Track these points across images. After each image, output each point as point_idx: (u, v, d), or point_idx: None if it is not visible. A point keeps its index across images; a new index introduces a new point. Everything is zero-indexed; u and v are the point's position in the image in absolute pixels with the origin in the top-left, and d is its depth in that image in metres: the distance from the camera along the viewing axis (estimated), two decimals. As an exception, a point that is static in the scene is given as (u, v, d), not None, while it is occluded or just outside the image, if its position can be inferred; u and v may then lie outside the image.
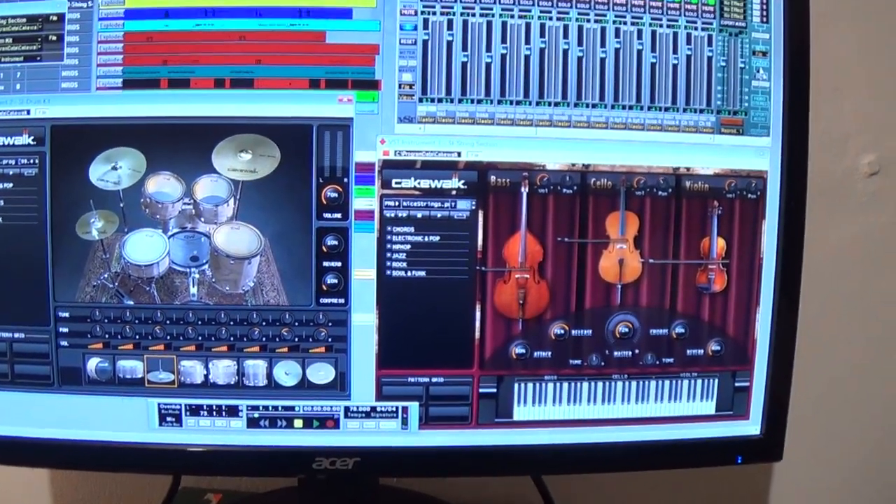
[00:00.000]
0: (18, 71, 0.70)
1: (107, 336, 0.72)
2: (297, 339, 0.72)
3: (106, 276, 0.71)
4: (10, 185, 0.71)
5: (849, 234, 0.96)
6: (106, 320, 0.72)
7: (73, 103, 0.70)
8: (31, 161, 0.70)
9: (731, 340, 0.75)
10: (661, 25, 0.72)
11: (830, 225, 0.93)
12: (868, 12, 0.93)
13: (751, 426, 0.76)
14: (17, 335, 0.72)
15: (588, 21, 0.71)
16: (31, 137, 0.70)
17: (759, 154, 0.73)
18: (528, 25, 0.70)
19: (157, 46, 0.70)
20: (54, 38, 0.70)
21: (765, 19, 0.73)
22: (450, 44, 0.70)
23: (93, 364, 0.72)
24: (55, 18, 0.70)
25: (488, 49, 0.70)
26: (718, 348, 0.75)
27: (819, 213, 0.81)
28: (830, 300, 0.92)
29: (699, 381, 0.75)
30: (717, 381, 0.75)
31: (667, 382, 0.75)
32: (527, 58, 0.71)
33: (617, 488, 0.94)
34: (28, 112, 0.70)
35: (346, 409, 0.73)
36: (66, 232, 0.70)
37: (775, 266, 0.74)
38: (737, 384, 0.76)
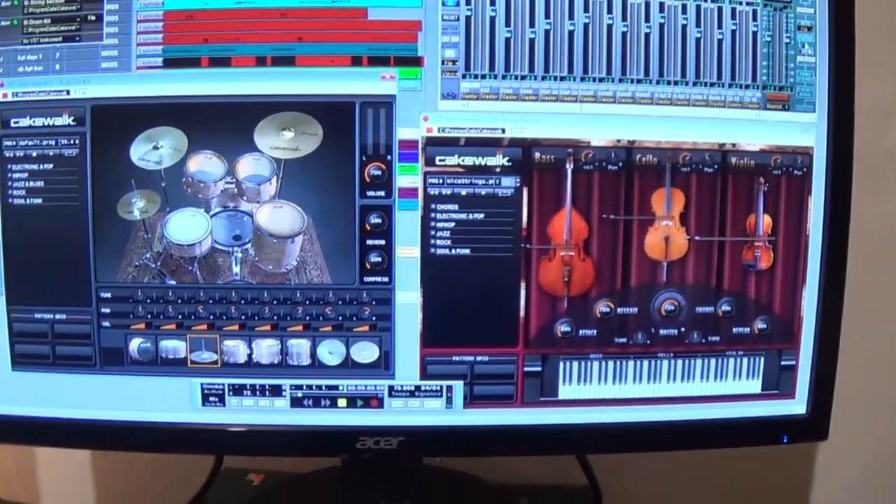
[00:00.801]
0: (58, 51, 0.70)
1: (149, 316, 0.72)
2: (340, 318, 0.71)
3: (148, 255, 0.71)
4: (51, 165, 0.71)
5: (892, 212, 0.94)
6: (148, 300, 0.72)
7: (113, 83, 0.70)
8: (72, 141, 0.70)
9: (777, 318, 0.74)
10: (705, 0, 0.71)
11: (873, 203, 0.92)
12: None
13: (797, 405, 0.76)
14: (58, 316, 0.72)
15: (632, -5, 0.70)
16: (72, 118, 0.70)
17: (805, 130, 0.72)
18: (571, 0, 0.69)
19: (198, 25, 0.69)
20: (93, 17, 0.70)
21: (810, -7, 0.72)
22: (493, 19, 0.69)
23: (135, 344, 0.72)
24: (94, -2, 0.70)
25: (532, 24, 0.69)
26: (764, 326, 0.74)
27: (861, 191, 0.80)
28: (873, 277, 0.91)
29: (745, 360, 0.74)
30: (762, 359, 0.75)
31: (713, 361, 0.74)
32: (571, 33, 0.70)
33: (662, 467, 0.94)
34: (68, 92, 0.70)
35: (391, 388, 0.73)
36: (107, 212, 0.70)
37: (821, 243, 0.73)
38: (783, 363, 0.75)
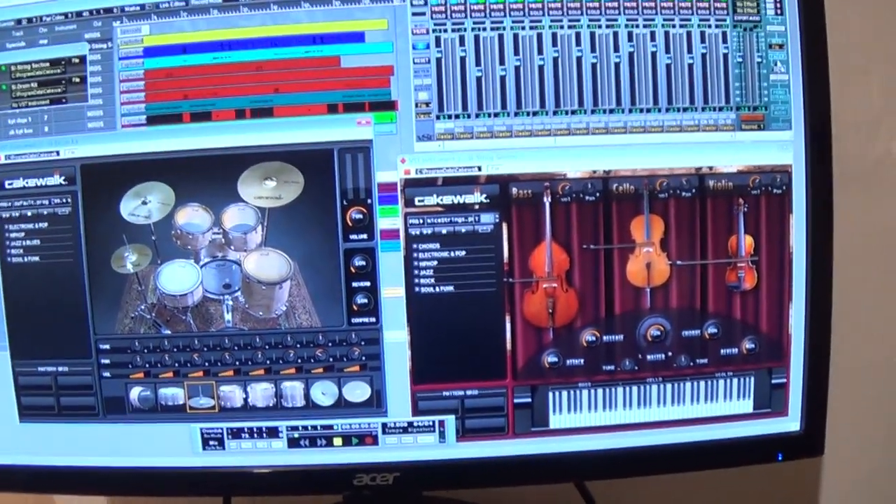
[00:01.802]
0: (46, 114, 0.72)
1: (147, 365, 0.74)
2: (331, 360, 0.73)
3: (143, 307, 0.73)
4: (46, 224, 0.73)
5: (884, 221, 0.94)
6: (145, 350, 0.74)
7: (100, 142, 0.72)
8: (64, 200, 0.73)
9: (765, 337, 0.74)
10: (673, 25, 0.71)
11: (864, 211, 0.92)
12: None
13: (790, 422, 0.76)
14: (61, 368, 0.74)
15: (599, 27, 0.71)
16: (63, 177, 0.72)
17: (783, 148, 0.73)
18: (539, 36, 0.70)
19: (178, 82, 0.71)
20: (77, 79, 0.72)
21: (779, 11, 0.72)
22: (463, 59, 0.71)
23: (135, 393, 0.74)
24: (77, 61, 0.72)
25: (502, 62, 0.71)
26: (753, 346, 0.74)
27: (853, 200, 0.79)
28: (865, 287, 0.91)
29: (735, 380, 0.75)
30: (752, 379, 0.75)
31: (702, 383, 0.75)
32: (541, 68, 0.71)
33: (662, 489, 0.94)
34: (58, 153, 0.72)
35: (384, 425, 0.74)
36: (101, 267, 0.72)
37: (806, 260, 0.73)
38: (773, 381, 0.75)
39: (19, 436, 0.75)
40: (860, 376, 0.93)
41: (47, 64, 0.72)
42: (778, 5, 0.72)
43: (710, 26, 0.71)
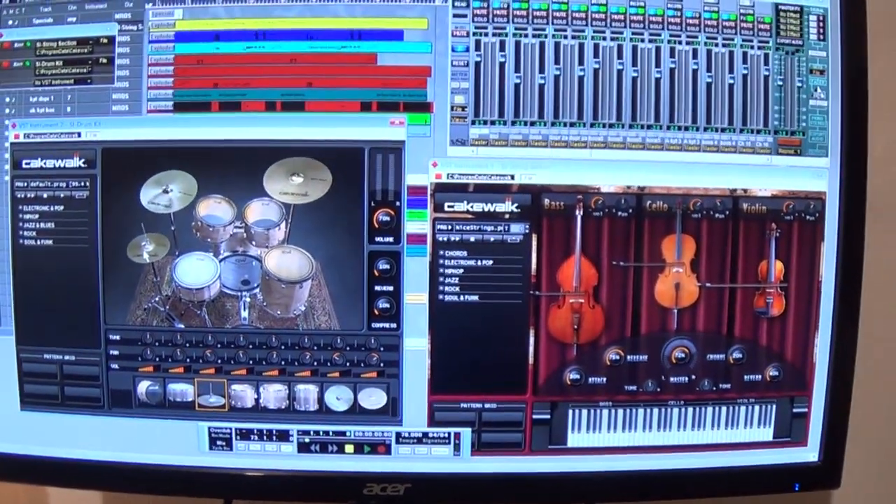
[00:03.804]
0: (69, 93, 0.71)
1: (157, 359, 0.72)
2: (348, 364, 0.71)
3: (157, 299, 0.71)
4: (62, 207, 0.71)
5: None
6: (157, 343, 0.72)
7: (123, 126, 0.70)
8: (82, 184, 0.71)
9: (789, 366, 0.73)
10: (716, 44, 0.70)
11: (891, 244, 0.91)
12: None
13: (809, 453, 0.75)
14: (67, 357, 0.72)
15: (642, 41, 0.70)
16: (82, 160, 0.70)
17: (818, 175, 0.72)
18: (581, 46, 0.69)
19: (208, 69, 0.70)
20: (105, 60, 0.70)
21: (822, 37, 0.71)
22: (502, 65, 0.69)
23: (143, 387, 0.72)
24: (105, 41, 0.70)
25: (541, 70, 0.69)
26: (776, 374, 0.73)
27: (883, 232, 0.78)
28: (890, 320, 0.90)
29: (756, 408, 0.74)
30: (774, 407, 0.74)
31: (724, 409, 0.73)
32: (580, 79, 0.69)
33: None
34: (79, 135, 0.70)
35: (398, 434, 0.72)
36: (116, 255, 0.71)
37: (834, 289, 0.73)
38: (795, 410, 0.74)
39: (19, 424, 0.73)
40: (881, 410, 0.92)
41: (74, 42, 0.70)
42: (821, 31, 0.71)
43: (752, 47, 0.71)
